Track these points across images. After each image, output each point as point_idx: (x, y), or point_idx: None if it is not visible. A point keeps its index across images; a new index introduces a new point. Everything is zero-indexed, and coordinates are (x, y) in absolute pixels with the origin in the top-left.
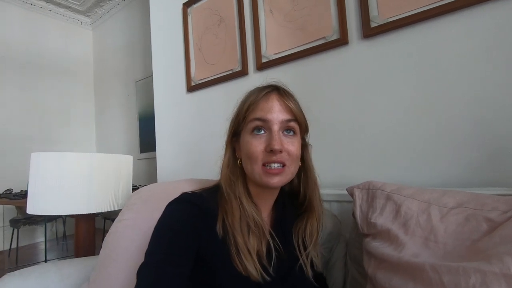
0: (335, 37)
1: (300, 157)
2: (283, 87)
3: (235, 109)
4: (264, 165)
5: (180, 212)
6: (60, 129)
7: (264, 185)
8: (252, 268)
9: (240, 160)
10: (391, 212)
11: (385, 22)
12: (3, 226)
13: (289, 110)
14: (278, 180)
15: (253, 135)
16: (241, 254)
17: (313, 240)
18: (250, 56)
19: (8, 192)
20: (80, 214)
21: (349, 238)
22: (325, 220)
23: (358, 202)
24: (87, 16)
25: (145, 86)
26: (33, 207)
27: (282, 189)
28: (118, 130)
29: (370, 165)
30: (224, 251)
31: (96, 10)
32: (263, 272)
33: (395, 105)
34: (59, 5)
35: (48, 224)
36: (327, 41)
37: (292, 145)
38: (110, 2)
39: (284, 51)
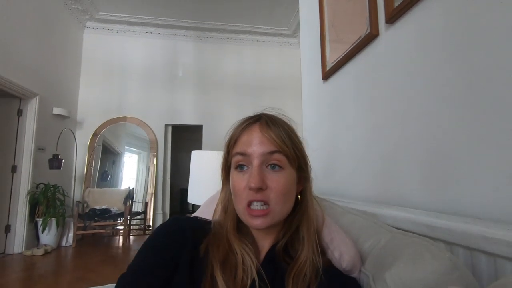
0: None
1: (293, 192)
2: (270, 115)
3: (224, 142)
4: (248, 204)
5: (162, 229)
6: None
7: (249, 226)
8: None
9: None
10: None
11: None
12: None
13: (271, 142)
14: (261, 222)
15: (237, 171)
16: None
17: None
18: (380, 6)
19: None
20: None
21: None
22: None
23: None
24: (294, 37)
25: None
26: (190, 197)
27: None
28: None
29: None
30: (200, 271)
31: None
32: None
33: None
34: (274, 35)
35: None
36: None
37: (277, 181)
38: None
39: None
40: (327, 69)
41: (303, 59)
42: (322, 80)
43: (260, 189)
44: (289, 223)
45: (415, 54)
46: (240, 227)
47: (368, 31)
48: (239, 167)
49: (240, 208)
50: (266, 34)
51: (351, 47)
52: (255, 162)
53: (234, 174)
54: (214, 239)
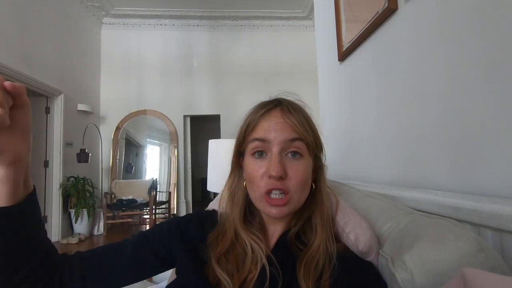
0: None
1: (310, 180)
2: (289, 100)
3: (239, 126)
4: (267, 192)
5: (173, 218)
6: None
7: (266, 214)
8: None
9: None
10: None
11: None
12: None
13: (292, 128)
14: (279, 212)
15: (254, 158)
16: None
17: (312, 282)
18: None
19: None
20: None
21: None
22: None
23: None
24: (309, 19)
25: None
26: (210, 185)
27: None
28: None
29: None
30: (205, 257)
31: None
32: None
33: None
34: (288, 18)
35: None
36: None
37: (296, 170)
38: None
39: None
40: (344, 49)
41: (318, 41)
42: (338, 62)
43: (280, 178)
44: (301, 211)
45: (437, 28)
46: (249, 213)
47: (386, 5)
48: (257, 153)
49: (257, 195)
50: (280, 18)
51: (368, 24)
52: (275, 149)
53: (250, 161)
54: (216, 234)
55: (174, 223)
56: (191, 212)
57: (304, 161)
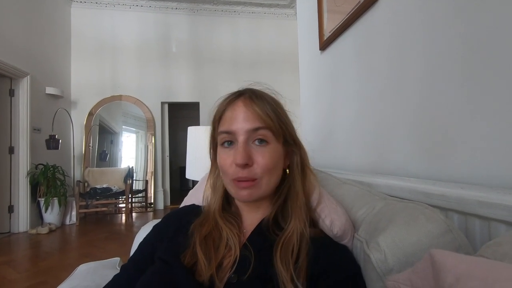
0: None
1: (280, 165)
2: (253, 89)
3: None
4: (235, 179)
5: (152, 228)
6: None
7: (237, 199)
8: (203, 271)
9: None
10: None
11: None
12: None
13: (256, 117)
14: (247, 194)
15: (224, 147)
16: (198, 256)
17: (288, 265)
18: None
19: None
20: None
21: None
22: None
23: None
24: (291, 8)
25: None
26: (189, 173)
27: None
28: None
29: None
30: (184, 245)
31: None
32: (216, 278)
33: None
34: (270, 6)
35: None
36: None
37: (262, 156)
38: None
39: None
40: (325, 39)
41: (300, 30)
42: (319, 51)
43: (246, 165)
44: (276, 198)
45: (416, 20)
46: (229, 204)
47: None
48: (226, 143)
49: (228, 181)
50: (261, 5)
51: (350, 14)
52: (241, 138)
53: (221, 151)
54: (201, 219)
55: (153, 230)
56: (168, 200)
57: (271, 148)
